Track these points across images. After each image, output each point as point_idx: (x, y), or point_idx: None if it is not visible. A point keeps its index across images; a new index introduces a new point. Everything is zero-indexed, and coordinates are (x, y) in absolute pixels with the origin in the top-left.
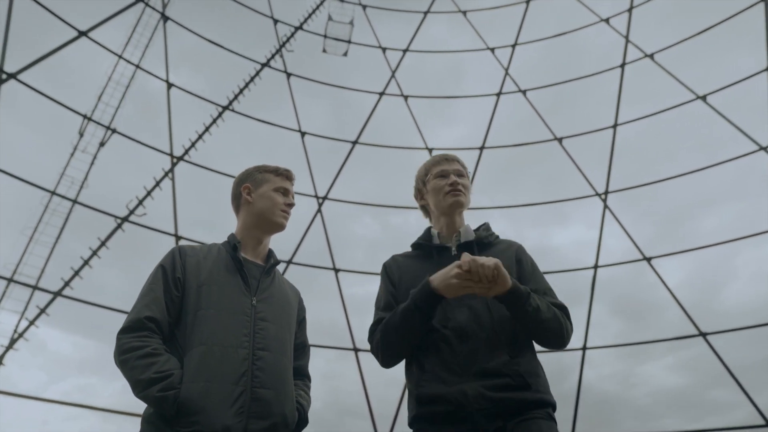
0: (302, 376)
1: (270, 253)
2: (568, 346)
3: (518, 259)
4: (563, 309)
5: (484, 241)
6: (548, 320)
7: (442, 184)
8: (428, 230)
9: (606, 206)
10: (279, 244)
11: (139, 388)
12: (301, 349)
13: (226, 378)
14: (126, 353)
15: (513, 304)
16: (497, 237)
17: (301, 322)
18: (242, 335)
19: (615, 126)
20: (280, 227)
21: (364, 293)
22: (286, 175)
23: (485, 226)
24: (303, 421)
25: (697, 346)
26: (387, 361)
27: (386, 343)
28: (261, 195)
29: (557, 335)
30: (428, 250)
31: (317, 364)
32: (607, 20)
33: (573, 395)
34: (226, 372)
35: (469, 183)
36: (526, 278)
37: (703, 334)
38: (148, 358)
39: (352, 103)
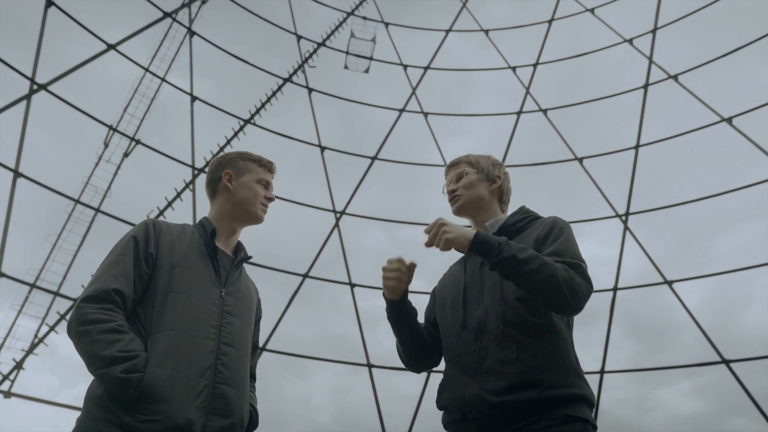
0: (252, 377)
1: (239, 245)
2: (587, 369)
3: (545, 235)
4: (574, 266)
5: (510, 228)
6: (534, 271)
7: (448, 196)
8: None
9: (627, 228)
10: (292, 256)
11: (99, 364)
12: (254, 349)
13: (192, 369)
14: (88, 324)
15: (486, 256)
16: (534, 219)
17: (257, 321)
18: (210, 326)
19: (637, 147)
20: (259, 220)
21: (374, 307)
22: (269, 168)
23: (519, 211)
24: (254, 423)
25: (716, 372)
26: (408, 366)
27: (397, 349)
28: (242, 184)
29: (552, 288)
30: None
31: (325, 377)
32: (630, 41)
33: None
34: (193, 362)
35: (474, 177)
36: (549, 244)
37: (726, 362)
38: (112, 333)
39: (362, 116)
